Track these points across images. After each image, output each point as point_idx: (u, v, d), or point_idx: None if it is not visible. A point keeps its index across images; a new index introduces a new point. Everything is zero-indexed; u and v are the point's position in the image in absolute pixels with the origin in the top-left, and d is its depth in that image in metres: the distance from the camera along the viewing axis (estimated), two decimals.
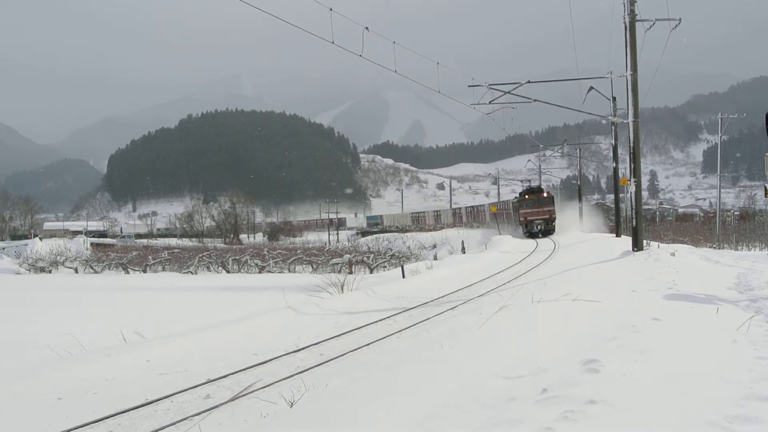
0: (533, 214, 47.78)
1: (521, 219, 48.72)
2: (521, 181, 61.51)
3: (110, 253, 48.30)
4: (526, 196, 48.64)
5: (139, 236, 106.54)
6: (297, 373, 9.84)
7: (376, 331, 13.82)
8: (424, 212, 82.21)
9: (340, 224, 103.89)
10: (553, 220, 47.99)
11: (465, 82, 23.63)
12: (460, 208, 72.71)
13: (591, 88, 25.71)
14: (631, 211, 20.66)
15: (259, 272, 37.23)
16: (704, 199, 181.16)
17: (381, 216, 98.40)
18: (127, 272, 40.74)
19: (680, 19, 20.88)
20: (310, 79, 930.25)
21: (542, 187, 53.02)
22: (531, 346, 7.03)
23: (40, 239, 66.15)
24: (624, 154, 36.36)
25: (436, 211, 78.30)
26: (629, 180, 21.09)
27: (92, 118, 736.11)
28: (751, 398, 4.69)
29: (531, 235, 47.28)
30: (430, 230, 67.02)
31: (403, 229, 74.14)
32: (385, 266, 34.97)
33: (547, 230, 47.41)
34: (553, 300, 10.20)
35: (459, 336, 9.26)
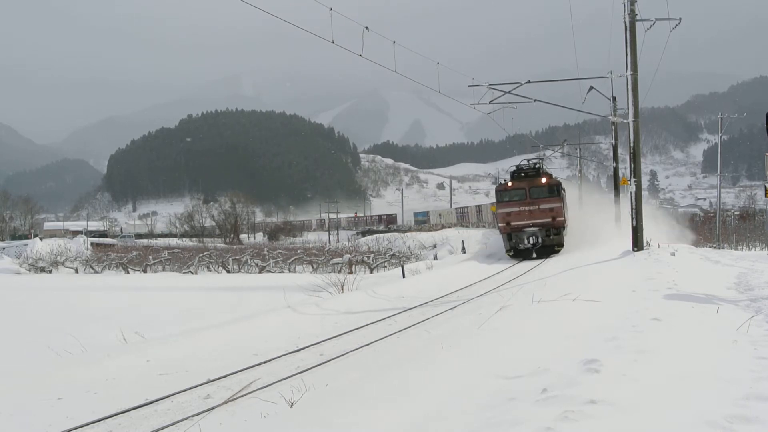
0: (522, 217, 29.67)
1: (501, 225, 30.54)
2: None
3: (110, 253, 48.28)
4: (509, 184, 30.50)
5: (139, 236, 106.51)
6: (297, 373, 9.85)
7: (376, 331, 13.82)
8: (467, 207, 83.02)
9: (390, 221, 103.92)
10: (560, 226, 29.83)
11: (465, 82, 23.63)
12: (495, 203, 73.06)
13: (591, 88, 25.73)
14: (631, 211, 20.65)
15: (259, 272, 37.23)
16: (704, 199, 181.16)
17: (428, 212, 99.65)
18: (128, 272, 40.73)
19: (680, 18, 20.88)
20: (310, 79, 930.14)
21: (540, 166, 32.47)
22: (531, 346, 7.03)
23: (40, 239, 66.11)
24: (624, 154, 36.36)
25: (478, 206, 78.85)
26: (629, 180, 21.09)
27: (92, 118, 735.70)
28: (751, 398, 4.69)
29: (518, 253, 29.97)
30: (474, 226, 66.88)
31: (450, 226, 74.29)
32: (386, 266, 34.97)
33: (549, 245, 29.74)
34: (553, 300, 10.20)
35: (459, 336, 9.27)
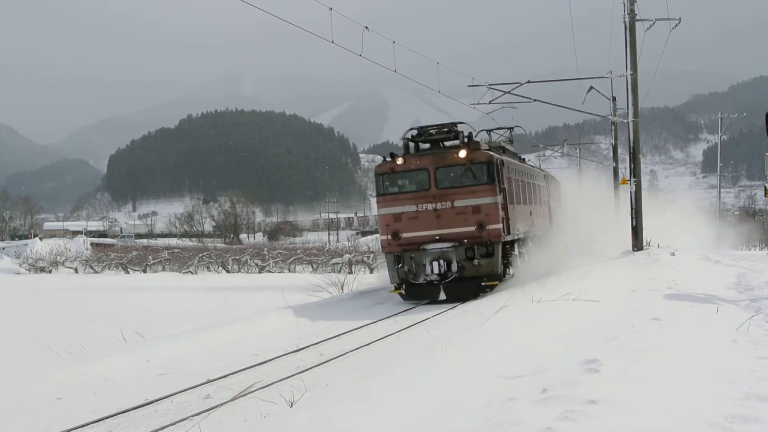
0: (421, 223, 17.22)
1: (383, 238, 17.85)
2: None
3: (110, 253, 48.33)
4: (399, 162, 17.61)
5: (139, 236, 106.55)
6: (297, 373, 9.84)
7: (376, 331, 13.83)
8: None
9: None
10: (494, 240, 16.98)
11: (465, 81, 23.61)
12: None
13: (591, 87, 25.69)
14: (631, 211, 20.65)
15: (259, 272, 37.24)
16: (704, 199, 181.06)
17: None
18: (127, 272, 40.73)
19: (680, 18, 20.90)
20: (310, 79, 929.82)
21: (458, 127, 18.29)
22: (531, 346, 7.03)
23: (40, 239, 66.07)
24: (624, 154, 36.35)
25: None
26: (629, 180, 21.09)
27: (92, 118, 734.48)
28: (751, 398, 4.69)
29: (413, 291, 17.30)
30: None
31: None
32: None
33: (472, 278, 16.95)
34: (552, 300, 10.20)
35: (459, 336, 9.26)
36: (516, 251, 18.96)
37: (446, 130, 18.03)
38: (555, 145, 53.87)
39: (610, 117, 29.82)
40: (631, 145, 20.78)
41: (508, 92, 23.59)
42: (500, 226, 17.03)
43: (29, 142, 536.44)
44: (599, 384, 5.07)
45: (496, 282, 17.06)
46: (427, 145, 18.31)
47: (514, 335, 8.09)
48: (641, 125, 21.34)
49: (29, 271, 43.37)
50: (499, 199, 17.22)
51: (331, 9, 15.27)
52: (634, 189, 20.54)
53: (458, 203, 16.91)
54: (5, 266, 46.15)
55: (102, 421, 8.09)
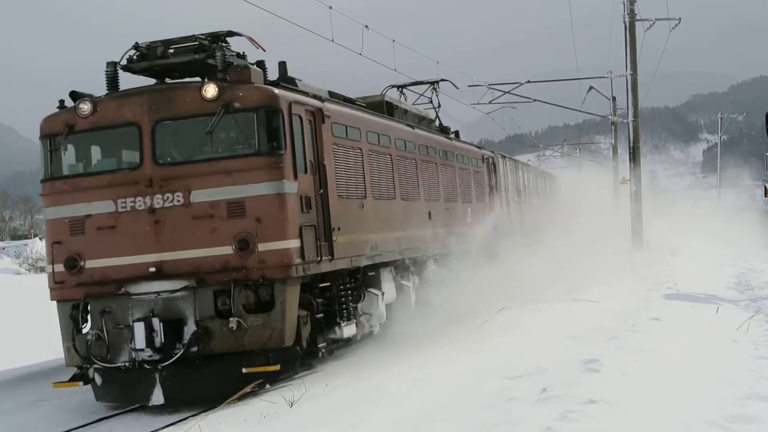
0: (124, 243, 8.36)
1: (51, 271, 8.73)
2: None
3: None
4: (82, 110, 8.59)
5: None
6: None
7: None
8: None
9: None
10: (280, 273, 8.13)
11: (465, 81, 23.50)
12: None
13: (591, 87, 25.70)
14: (631, 211, 20.64)
15: None
16: (704, 199, 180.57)
17: None
18: None
19: (680, 18, 20.96)
20: (310, 78, 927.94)
21: (223, 42, 9.05)
22: (531, 346, 7.04)
23: (40, 239, 66.02)
24: (624, 154, 36.35)
25: None
26: (629, 180, 21.09)
27: None
28: (751, 398, 4.69)
29: (117, 381, 8.19)
30: None
31: None
32: None
33: (231, 354, 8.18)
34: (552, 300, 10.21)
35: (459, 336, 9.26)
36: (379, 289, 10.67)
37: (196, 45, 9.04)
38: (555, 145, 53.85)
39: (610, 117, 29.83)
40: (631, 145, 20.78)
41: (508, 92, 23.60)
42: (293, 243, 8.46)
43: (29, 142, 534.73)
44: (599, 384, 5.07)
45: (276, 367, 8.38)
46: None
47: (514, 335, 8.09)
48: (641, 125, 21.35)
49: (29, 271, 43.30)
50: (294, 185, 8.63)
51: (330, 8, 15.26)
52: (634, 189, 20.54)
53: (199, 196, 8.45)
54: (5, 266, 46.07)
55: (102, 421, 8.09)
